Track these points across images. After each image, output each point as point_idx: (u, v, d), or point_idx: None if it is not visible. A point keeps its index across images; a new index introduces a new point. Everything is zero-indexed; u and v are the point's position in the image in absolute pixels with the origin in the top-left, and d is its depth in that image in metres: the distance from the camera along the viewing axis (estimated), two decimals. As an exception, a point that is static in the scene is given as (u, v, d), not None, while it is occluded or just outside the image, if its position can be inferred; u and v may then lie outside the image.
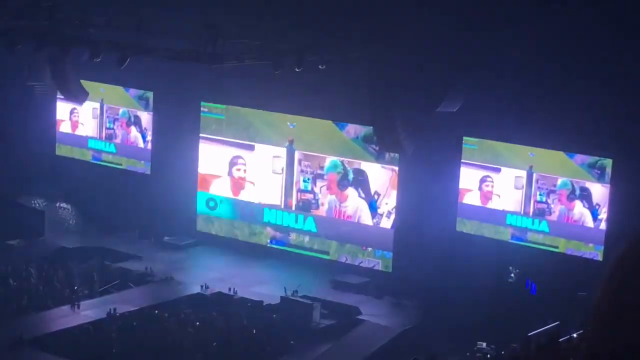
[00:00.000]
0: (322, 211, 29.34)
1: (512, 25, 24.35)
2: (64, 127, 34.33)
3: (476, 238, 26.84)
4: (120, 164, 33.34)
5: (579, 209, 25.60)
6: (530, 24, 24.17)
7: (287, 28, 24.15)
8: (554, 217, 26.00)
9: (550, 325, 17.66)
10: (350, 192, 28.81)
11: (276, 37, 23.90)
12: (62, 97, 32.41)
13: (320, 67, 24.60)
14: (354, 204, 28.78)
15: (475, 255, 25.60)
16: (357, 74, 25.27)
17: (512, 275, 25.74)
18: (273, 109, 29.56)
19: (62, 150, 34.47)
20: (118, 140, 33.35)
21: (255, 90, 28.61)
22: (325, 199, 29.26)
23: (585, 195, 25.47)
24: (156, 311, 24.83)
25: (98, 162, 33.80)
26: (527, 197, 26.41)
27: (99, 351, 22.59)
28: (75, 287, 26.58)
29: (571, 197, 25.61)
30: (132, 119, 32.90)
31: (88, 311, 25.12)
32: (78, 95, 31.32)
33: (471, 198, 27.21)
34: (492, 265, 25.40)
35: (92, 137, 33.87)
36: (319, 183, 29.33)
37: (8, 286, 26.17)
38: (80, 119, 33.95)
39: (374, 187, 28.46)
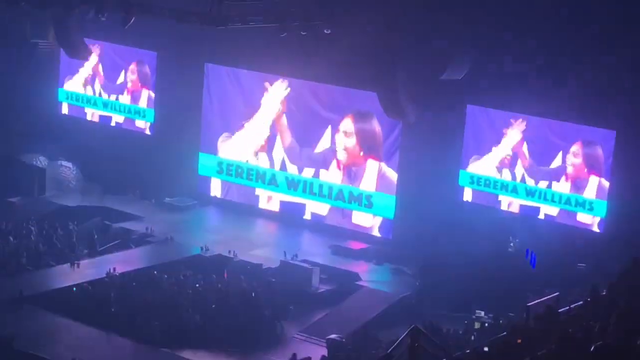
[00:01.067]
0: (327, 176, 29.20)
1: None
2: (68, 86, 34.21)
3: (477, 207, 26.80)
4: (123, 124, 33.24)
5: (583, 180, 25.54)
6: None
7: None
8: (557, 187, 25.92)
9: (549, 296, 17.61)
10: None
11: (282, 0, 23.72)
12: (66, 55, 32.22)
13: (325, 31, 24.44)
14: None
15: (476, 224, 25.55)
16: (363, 40, 25.09)
17: (512, 244, 25.72)
18: (277, 71, 29.44)
19: (65, 109, 34.38)
20: (121, 100, 33.21)
21: (260, 52, 28.45)
22: (333, 164, 29.07)
23: (589, 166, 25.43)
24: (155, 272, 24.85)
25: (101, 122, 33.70)
26: (530, 167, 26.34)
27: (97, 310, 22.63)
28: (75, 246, 26.61)
29: (580, 166, 25.51)
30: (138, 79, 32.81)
31: (87, 270, 25.15)
32: (81, 54, 31.15)
33: (474, 166, 27.12)
34: (492, 235, 25.35)
35: (95, 96, 33.75)
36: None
37: (8, 243, 26.18)
38: (83, 77, 33.80)
39: (376, 153, 28.39)
